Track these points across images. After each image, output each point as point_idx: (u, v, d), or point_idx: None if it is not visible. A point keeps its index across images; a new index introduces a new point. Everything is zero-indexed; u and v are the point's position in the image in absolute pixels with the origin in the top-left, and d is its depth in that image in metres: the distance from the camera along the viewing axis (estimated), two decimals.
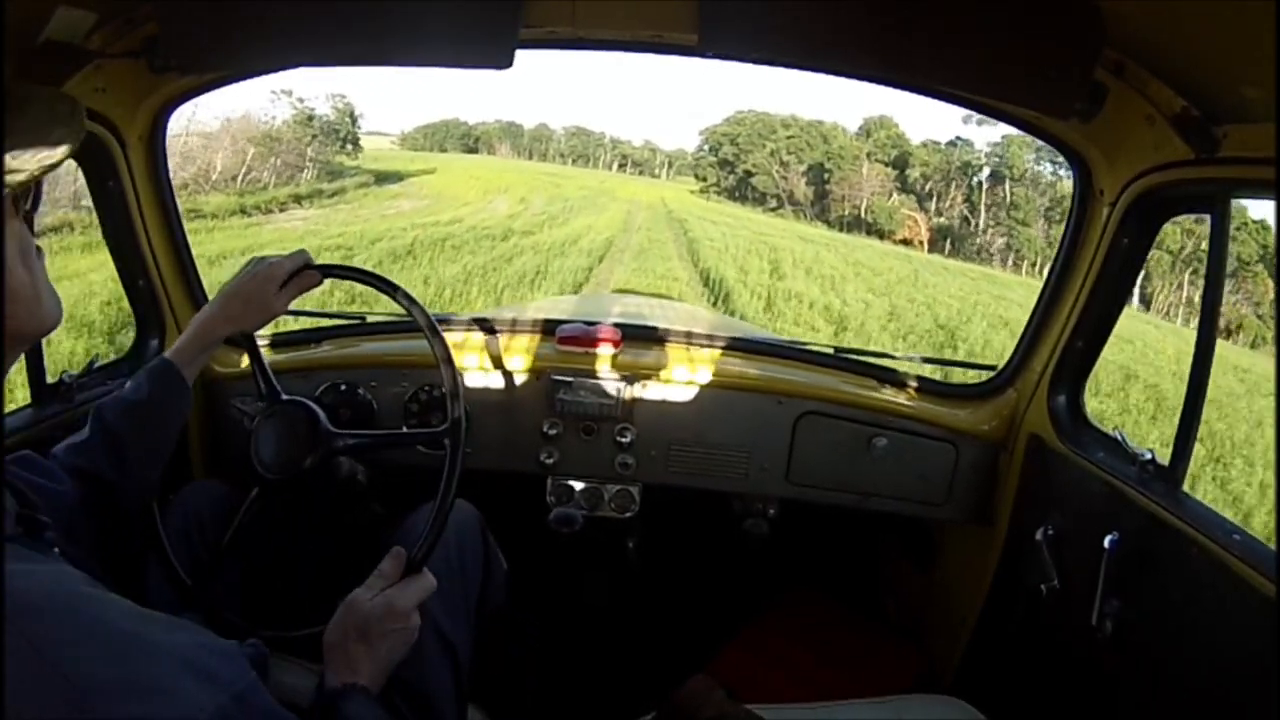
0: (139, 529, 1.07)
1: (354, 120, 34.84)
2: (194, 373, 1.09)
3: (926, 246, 39.77)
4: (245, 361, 1.61)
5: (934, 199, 43.99)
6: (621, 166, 71.90)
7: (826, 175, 46.50)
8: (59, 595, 0.49)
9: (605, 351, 1.59)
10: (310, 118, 30.40)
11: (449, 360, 1.10)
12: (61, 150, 0.56)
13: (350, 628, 0.85)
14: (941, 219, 42.87)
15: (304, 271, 1.14)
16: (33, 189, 0.58)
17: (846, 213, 44.97)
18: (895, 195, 44.45)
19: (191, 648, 0.51)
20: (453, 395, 1.08)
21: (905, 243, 40.12)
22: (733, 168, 51.32)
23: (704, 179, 54.19)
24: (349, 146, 34.50)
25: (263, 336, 1.67)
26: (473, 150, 69.28)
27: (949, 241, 40.76)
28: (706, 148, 55.90)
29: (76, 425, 1.05)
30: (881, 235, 41.13)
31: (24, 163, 0.53)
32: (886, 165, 45.14)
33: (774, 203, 48.23)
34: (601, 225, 22.69)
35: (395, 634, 0.86)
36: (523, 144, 73.97)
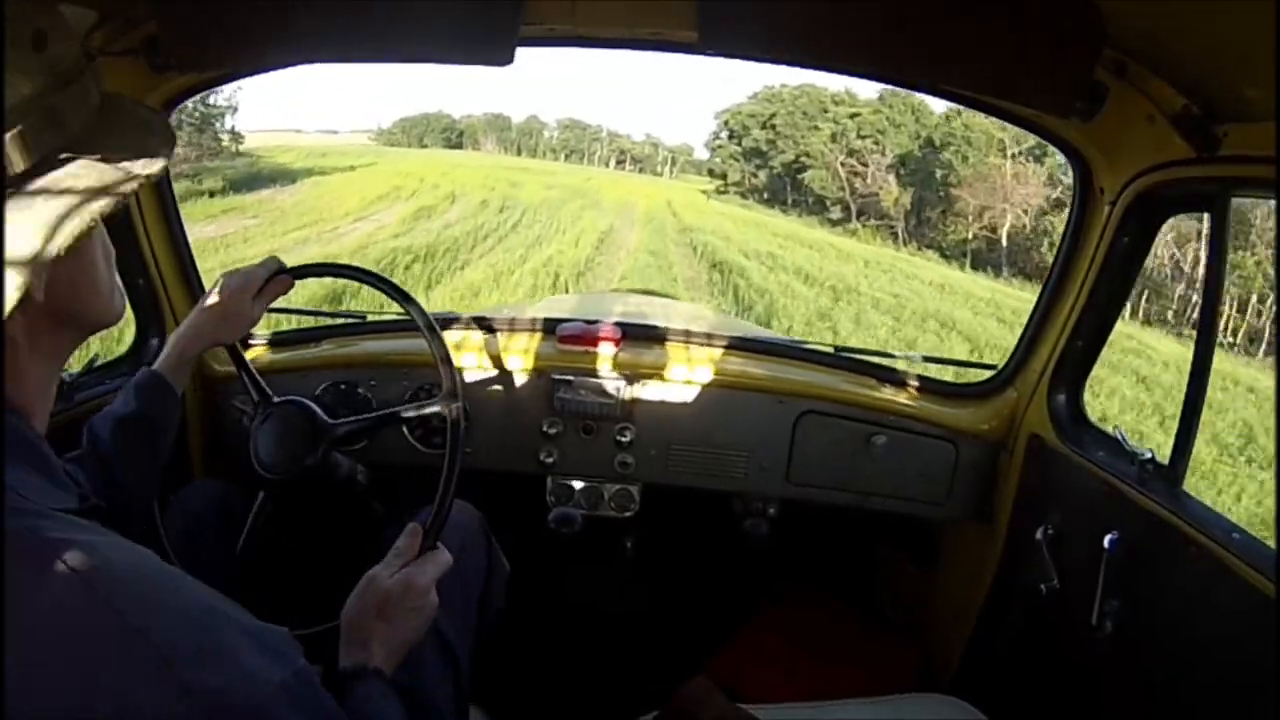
0: (139, 530, 1.07)
1: (208, 103, 25.77)
2: (180, 385, 1.10)
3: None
4: None
5: None
6: (620, 163, 66.75)
7: (943, 175, 29.28)
8: (140, 565, 0.51)
9: (605, 350, 1.59)
10: None
11: (447, 360, 1.10)
12: (160, 161, 0.57)
13: (371, 605, 0.84)
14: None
15: (277, 277, 1.16)
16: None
17: (972, 236, 27.26)
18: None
19: (254, 624, 0.54)
20: (444, 360, 1.09)
21: None
22: (765, 159, 36.49)
23: (721, 175, 40.14)
24: (216, 141, 26.53)
25: (260, 336, 1.67)
26: (456, 145, 64.32)
27: (1144, 299, 20.61)
28: (725, 134, 40.71)
29: (76, 425, 1.04)
30: None
31: (129, 171, 0.55)
32: (1038, 163, 27.35)
33: (839, 212, 31.66)
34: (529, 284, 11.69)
35: (414, 612, 0.86)
36: (510, 138, 68.85)
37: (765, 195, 36.08)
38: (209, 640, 0.49)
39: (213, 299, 1.12)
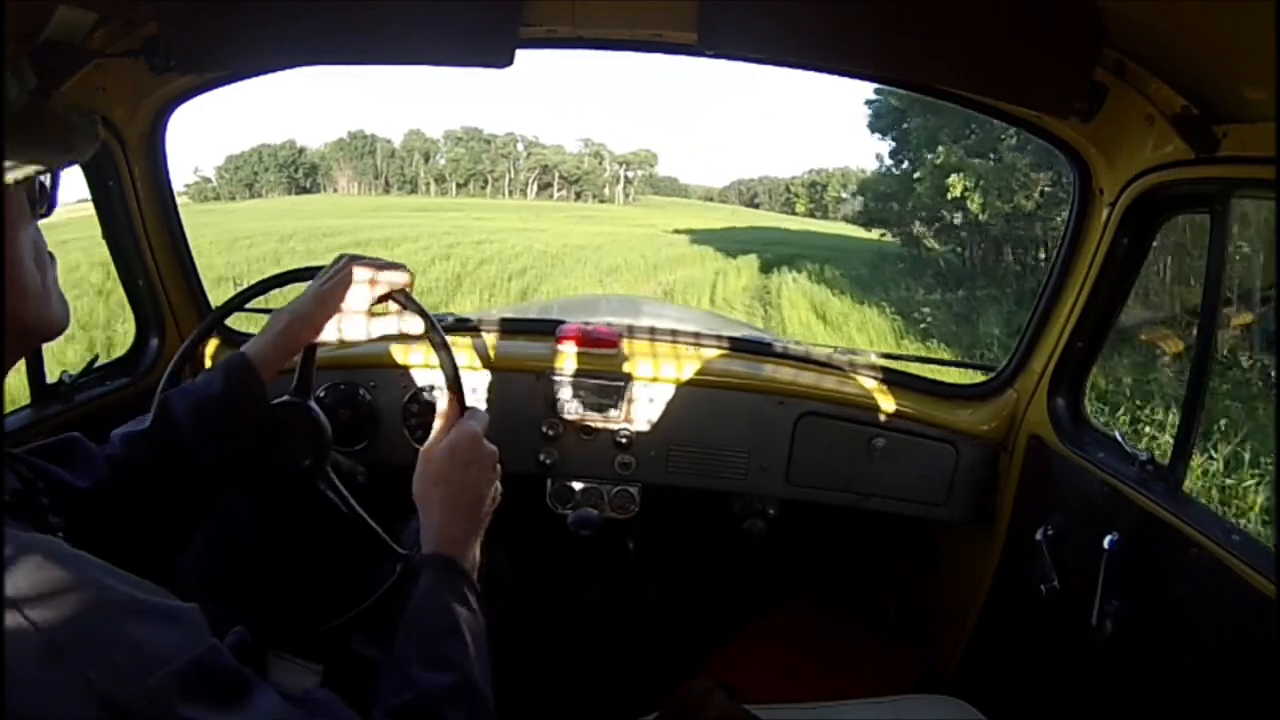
0: (174, 535, 1.00)
1: None
2: (271, 375, 0.99)
3: None
4: None
5: None
6: (545, 186, 46.14)
7: None
8: (36, 553, 0.49)
9: (605, 352, 1.59)
10: None
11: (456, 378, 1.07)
12: (76, 155, 0.58)
13: (429, 474, 0.86)
14: None
15: (406, 312, 1.01)
16: (49, 194, 0.60)
17: None
18: None
19: (162, 605, 0.52)
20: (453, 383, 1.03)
21: None
22: None
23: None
24: None
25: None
26: (306, 188, 47.73)
27: None
28: None
29: (75, 426, 1.04)
30: None
31: (41, 162, 0.55)
32: None
33: None
34: None
35: (473, 464, 0.87)
36: (374, 165, 50.32)
37: None
38: (101, 627, 0.48)
39: (331, 290, 0.99)
